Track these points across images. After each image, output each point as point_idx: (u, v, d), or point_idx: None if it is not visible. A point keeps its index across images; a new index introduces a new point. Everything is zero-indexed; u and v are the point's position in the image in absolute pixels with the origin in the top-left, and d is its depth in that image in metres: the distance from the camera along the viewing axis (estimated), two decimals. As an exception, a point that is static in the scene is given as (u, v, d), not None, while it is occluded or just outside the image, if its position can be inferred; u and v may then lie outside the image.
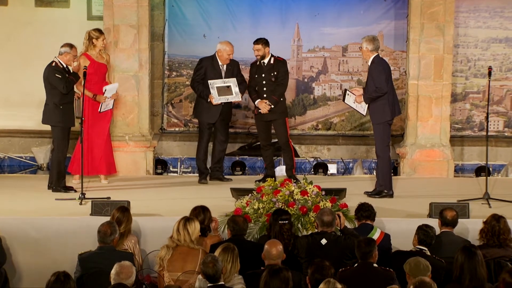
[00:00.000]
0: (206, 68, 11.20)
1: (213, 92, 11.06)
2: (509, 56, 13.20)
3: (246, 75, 13.26)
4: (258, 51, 11.11)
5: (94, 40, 10.93)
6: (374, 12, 13.18)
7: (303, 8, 13.25)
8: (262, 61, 11.15)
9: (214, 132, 11.44)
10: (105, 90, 10.77)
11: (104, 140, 11.11)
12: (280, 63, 11.21)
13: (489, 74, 10.36)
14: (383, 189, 10.37)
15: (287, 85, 11.37)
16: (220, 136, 11.41)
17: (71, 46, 10.56)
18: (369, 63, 10.34)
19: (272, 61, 11.16)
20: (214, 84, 11.05)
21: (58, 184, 10.49)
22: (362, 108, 10.43)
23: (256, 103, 11.14)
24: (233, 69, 11.27)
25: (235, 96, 11.12)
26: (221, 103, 11.14)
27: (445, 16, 11.82)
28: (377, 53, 10.33)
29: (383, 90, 10.18)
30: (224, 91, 11.06)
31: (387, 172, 10.44)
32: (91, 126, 10.91)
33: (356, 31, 13.18)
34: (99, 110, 10.76)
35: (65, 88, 10.36)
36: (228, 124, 11.57)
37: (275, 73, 11.10)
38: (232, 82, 11.07)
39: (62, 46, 10.56)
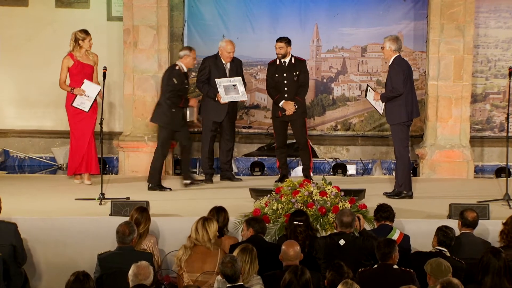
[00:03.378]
0: (210, 67, 11.21)
1: (221, 91, 11.07)
2: (530, 57, 13.14)
3: (263, 75, 13.28)
4: (281, 49, 11.09)
5: (80, 42, 10.81)
6: (393, 12, 13.14)
7: (322, 8, 13.23)
8: (282, 60, 11.13)
9: (220, 131, 11.42)
10: (84, 82, 10.73)
11: (88, 140, 11.01)
12: (301, 63, 11.21)
13: (510, 74, 10.32)
14: (403, 190, 10.34)
15: (309, 85, 11.40)
16: (226, 135, 11.40)
17: (190, 49, 10.83)
18: (390, 63, 10.33)
19: (293, 61, 11.15)
20: (221, 83, 11.07)
21: (154, 181, 10.69)
22: (380, 106, 10.44)
23: (281, 104, 11.10)
24: (237, 68, 11.28)
25: (242, 95, 11.12)
26: (228, 102, 11.14)
27: (465, 16, 11.77)
28: (399, 54, 10.31)
29: (399, 91, 10.17)
30: (231, 90, 11.08)
31: (406, 173, 10.41)
32: (75, 124, 10.85)
33: (375, 31, 13.15)
34: (71, 103, 10.69)
35: (168, 94, 10.66)
36: (234, 123, 11.56)
37: (297, 72, 11.09)
38: (238, 81, 11.08)
39: (181, 50, 10.88)
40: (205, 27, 13.28)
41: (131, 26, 11.88)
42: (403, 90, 10.18)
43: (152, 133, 11.97)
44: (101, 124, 10.07)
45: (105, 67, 10.42)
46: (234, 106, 11.37)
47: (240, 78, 11.14)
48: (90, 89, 10.76)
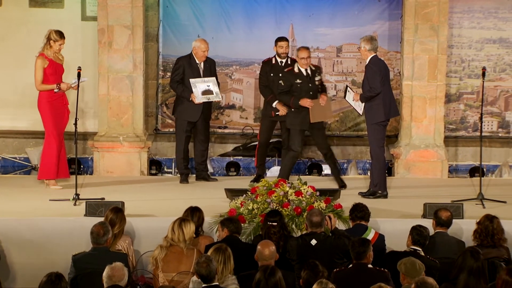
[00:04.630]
0: (184, 67, 11.18)
1: (195, 91, 11.05)
2: (503, 57, 13.22)
3: (242, 75, 13.28)
4: (287, 48, 11.10)
5: (51, 42, 10.60)
6: (368, 12, 13.18)
7: (297, 8, 13.24)
8: (279, 60, 11.11)
9: (194, 132, 11.39)
10: (75, 81, 10.64)
11: (63, 142, 10.87)
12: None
13: (483, 74, 10.39)
14: (377, 190, 10.39)
15: None
16: (200, 136, 11.38)
17: (297, 49, 10.77)
18: (366, 63, 10.38)
19: (289, 62, 11.16)
20: (196, 83, 11.04)
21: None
22: (360, 107, 10.47)
23: (274, 104, 11.09)
24: (210, 67, 11.26)
25: (216, 96, 11.11)
26: (203, 102, 11.13)
27: (439, 16, 11.84)
28: (375, 54, 10.36)
29: (377, 90, 10.21)
30: (205, 90, 11.06)
31: (381, 173, 10.46)
32: (54, 126, 10.68)
33: (350, 31, 13.19)
34: (54, 90, 10.52)
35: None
36: (209, 123, 11.54)
37: None
38: (212, 82, 11.07)
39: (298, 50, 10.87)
40: (180, 27, 13.25)
41: (106, 26, 11.83)
42: (380, 89, 10.23)
43: (127, 133, 11.94)
44: (75, 124, 10.00)
45: (80, 67, 10.35)
46: (208, 106, 11.36)
47: (214, 78, 11.13)
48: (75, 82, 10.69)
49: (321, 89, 10.99)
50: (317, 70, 10.99)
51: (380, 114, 10.31)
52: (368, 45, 10.30)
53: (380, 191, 10.39)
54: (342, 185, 10.86)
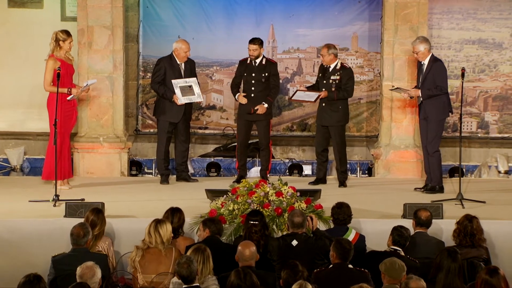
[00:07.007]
0: (166, 68, 11.16)
1: (177, 92, 11.02)
2: (482, 58, 13.30)
3: (222, 76, 13.27)
4: (255, 51, 11.12)
5: (60, 42, 10.55)
6: (348, 13, 13.22)
7: (277, 9, 13.27)
8: (254, 61, 11.14)
9: (175, 132, 11.38)
10: (86, 84, 10.67)
11: (69, 143, 10.92)
12: (272, 65, 11.27)
13: (462, 75, 10.45)
14: (436, 185, 10.65)
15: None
16: (181, 137, 11.36)
17: (324, 46, 11.09)
18: (426, 62, 10.65)
19: (264, 62, 11.18)
20: (178, 84, 11.02)
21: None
22: (313, 97, 10.91)
23: (236, 96, 11.16)
24: (191, 68, 11.25)
25: (197, 97, 11.10)
26: (185, 103, 11.12)
27: (419, 17, 11.89)
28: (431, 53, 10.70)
29: (446, 89, 10.65)
30: (187, 91, 11.04)
31: (440, 167, 10.75)
32: (63, 128, 10.69)
33: (330, 32, 13.22)
34: (67, 98, 10.53)
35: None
36: (189, 123, 11.53)
37: (266, 74, 11.13)
38: (193, 82, 11.05)
39: None
40: (160, 27, 13.24)
41: (86, 26, 11.80)
42: (447, 88, 10.67)
43: (107, 134, 11.91)
44: (55, 125, 9.95)
45: (59, 68, 10.30)
46: (189, 107, 11.35)
47: (195, 79, 11.12)
48: (89, 82, 10.77)
49: (336, 87, 11.05)
50: (340, 70, 11.08)
51: (446, 110, 10.70)
52: (428, 45, 10.68)
53: (438, 186, 10.66)
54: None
